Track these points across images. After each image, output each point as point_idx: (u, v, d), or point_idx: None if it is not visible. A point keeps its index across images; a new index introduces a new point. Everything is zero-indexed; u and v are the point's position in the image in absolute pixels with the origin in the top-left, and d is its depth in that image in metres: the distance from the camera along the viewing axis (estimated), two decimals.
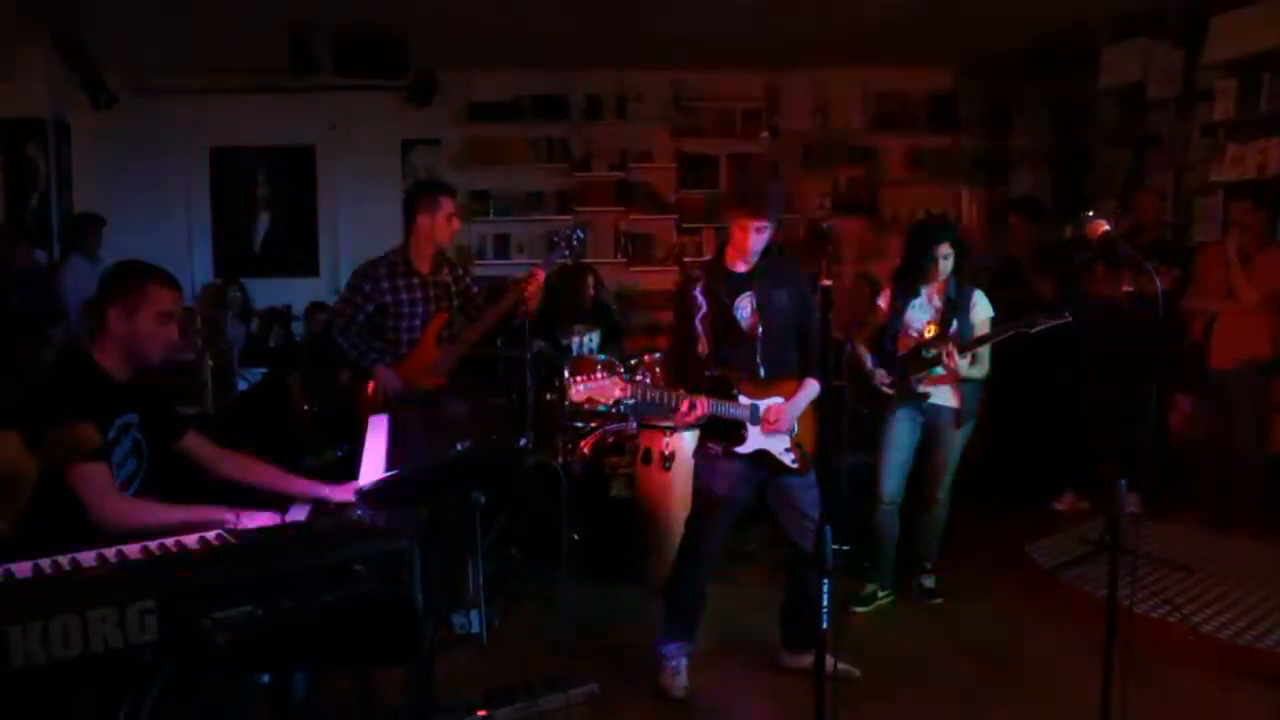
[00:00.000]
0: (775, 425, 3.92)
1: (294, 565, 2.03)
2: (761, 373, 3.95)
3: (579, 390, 3.68)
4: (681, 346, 4.01)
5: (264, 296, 8.94)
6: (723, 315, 3.94)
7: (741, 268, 3.98)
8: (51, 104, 8.30)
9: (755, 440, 3.94)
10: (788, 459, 4.00)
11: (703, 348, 3.93)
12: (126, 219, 8.30)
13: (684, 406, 3.77)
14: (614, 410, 5.65)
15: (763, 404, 3.93)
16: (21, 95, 8.07)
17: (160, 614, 1.89)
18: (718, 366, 3.93)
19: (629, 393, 3.71)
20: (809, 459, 4.05)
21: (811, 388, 4.01)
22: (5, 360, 6.07)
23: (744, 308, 3.95)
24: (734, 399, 3.89)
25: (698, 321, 3.94)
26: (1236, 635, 4.35)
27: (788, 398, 3.97)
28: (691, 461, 4.25)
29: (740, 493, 4.08)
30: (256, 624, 1.95)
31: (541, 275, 4.69)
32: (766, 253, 3.97)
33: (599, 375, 3.69)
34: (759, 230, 3.85)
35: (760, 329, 3.94)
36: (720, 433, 3.96)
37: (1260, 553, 5.41)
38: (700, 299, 3.95)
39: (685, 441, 5.01)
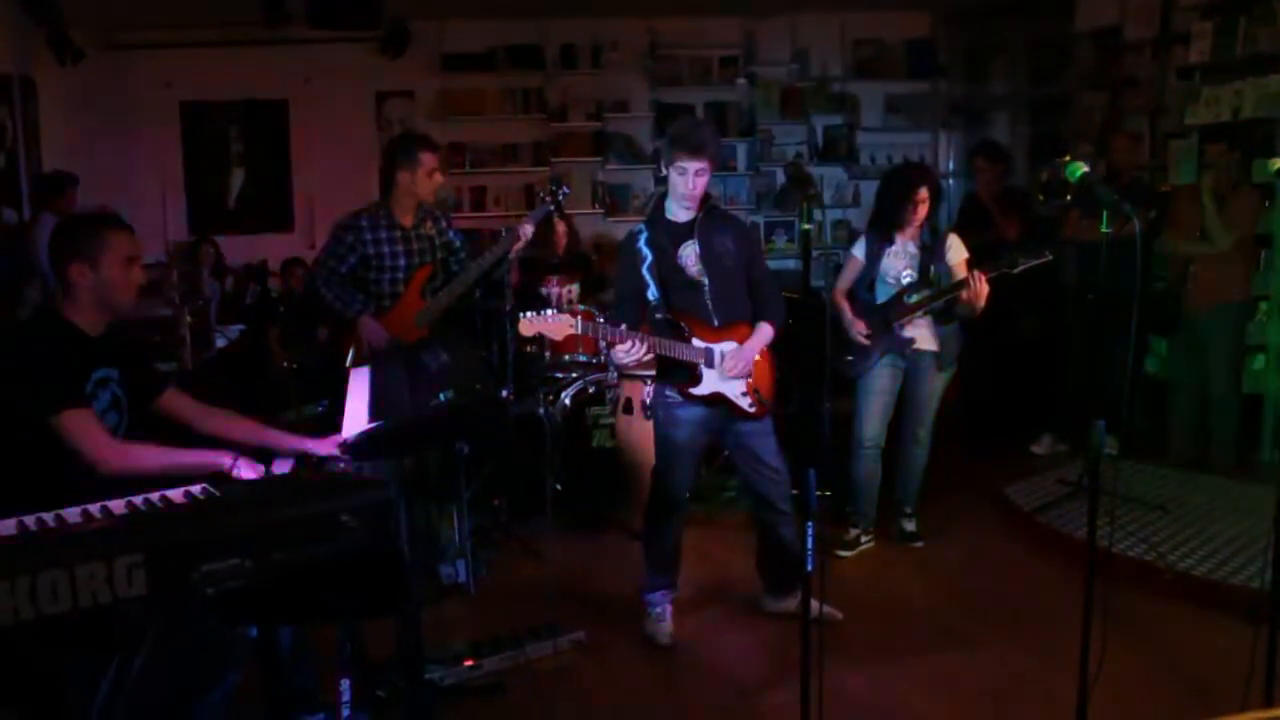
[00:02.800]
0: (733, 372, 3.93)
1: (282, 517, 2.03)
2: (714, 320, 3.96)
3: (528, 324, 3.69)
4: (630, 295, 4.02)
5: (239, 253, 8.85)
6: (668, 264, 3.94)
7: (683, 217, 3.97)
8: (16, 60, 8.12)
9: (711, 382, 3.96)
10: (744, 403, 4.02)
11: (652, 294, 3.94)
12: (97, 176, 8.17)
13: (627, 343, 3.78)
14: (594, 360, 5.66)
15: (717, 348, 3.94)
16: None
17: (148, 568, 1.89)
18: (669, 312, 3.94)
19: (579, 329, 3.72)
20: (766, 404, 4.08)
21: (765, 331, 4.03)
22: None
23: (688, 256, 3.95)
24: (686, 340, 3.90)
25: (645, 270, 3.95)
26: (1212, 572, 4.43)
27: (741, 342, 3.98)
28: None
29: (700, 438, 4.12)
30: (245, 576, 1.96)
31: (529, 230, 4.66)
32: (705, 202, 3.97)
33: (549, 312, 3.70)
34: (698, 173, 3.83)
35: (706, 276, 3.95)
36: (675, 375, 3.98)
37: (1235, 491, 5.48)
38: (645, 250, 3.96)
39: None
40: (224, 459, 2.81)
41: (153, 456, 2.81)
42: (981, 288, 4.60)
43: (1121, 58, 7.46)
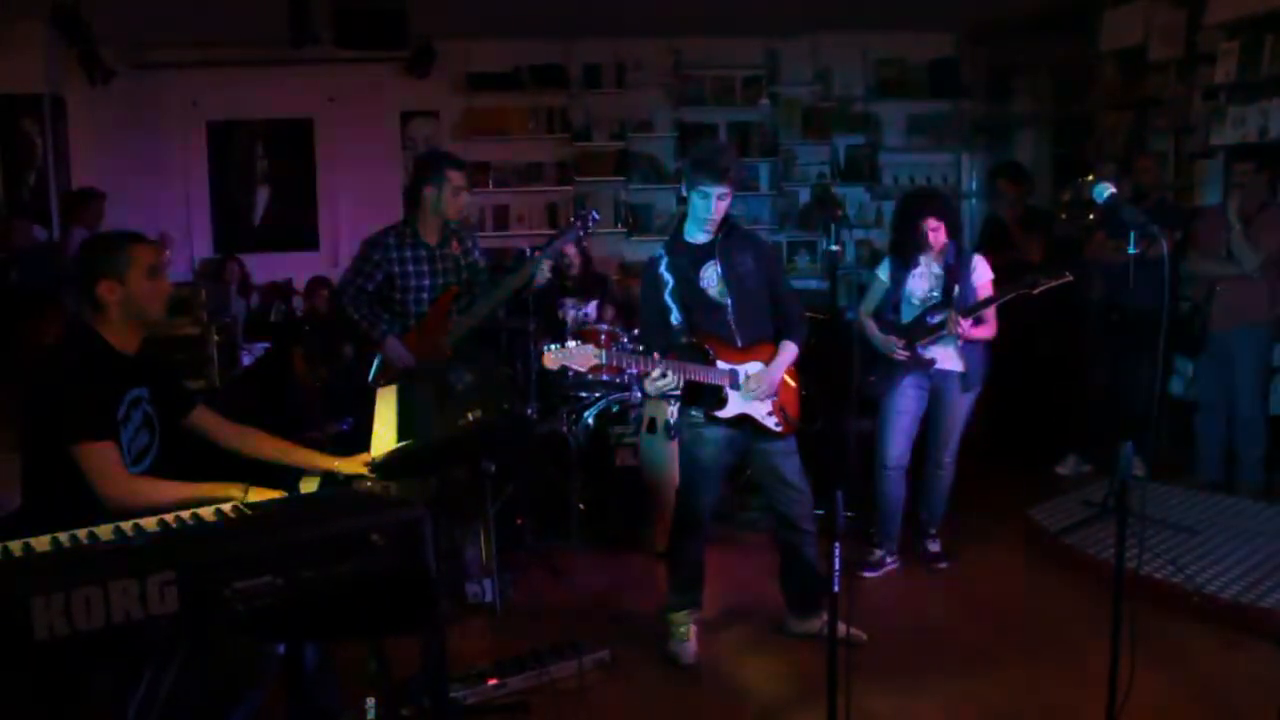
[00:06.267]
0: (759, 394, 3.93)
1: (313, 535, 2.04)
2: (738, 341, 3.97)
3: (552, 359, 3.70)
4: (654, 321, 4.02)
5: (264, 271, 8.92)
6: (690, 287, 3.95)
7: (702, 239, 3.99)
8: (47, 79, 8.25)
9: (736, 404, 3.95)
10: (770, 422, 4.02)
11: (675, 319, 3.95)
12: (124, 194, 8.26)
13: (655, 372, 3.78)
14: (617, 380, 5.67)
15: (741, 369, 3.94)
16: (17, 70, 8.03)
17: (180, 585, 1.90)
18: (693, 335, 3.95)
19: (604, 360, 3.72)
20: (792, 422, 4.07)
21: (789, 350, 4.03)
22: (6, 338, 6.06)
23: (709, 278, 3.96)
24: (711, 364, 3.90)
25: (666, 295, 3.96)
26: (1240, 595, 4.39)
27: (766, 362, 3.98)
28: None
29: (725, 458, 4.11)
30: (275, 594, 1.97)
31: (549, 267, 4.67)
32: (725, 223, 3.97)
33: (572, 344, 3.71)
34: (721, 197, 3.86)
35: (729, 297, 3.95)
36: (700, 399, 3.98)
37: (1263, 513, 5.44)
38: (665, 275, 3.97)
39: None
40: (234, 491, 2.81)
41: (160, 492, 2.81)
42: (954, 328, 4.61)
43: (1146, 78, 7.44)
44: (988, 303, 4.75)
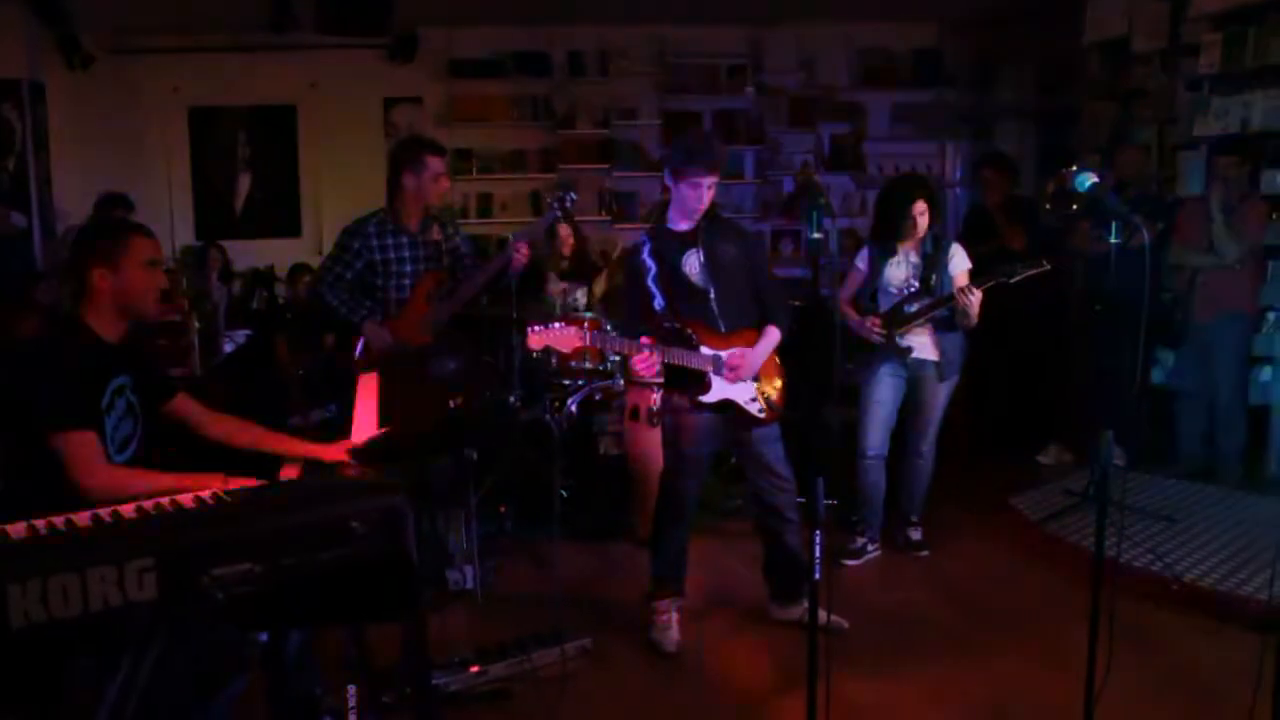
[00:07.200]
0: (737, 372, 3.94)
1: (293, 522, 2.03)
2: (721, 327, 3.97)
3: (536, 337, 3.70)
4: (635, 306, 4.03)
5: (246, 258, 8.86)
6: (673, 274, 3.96)
7: (684, 226, 3.99)
8: (27, 64, 8.17)
9: (720, 389, 3.96)
10: (754, 408, 4.02)
11: (658, 304, 3.95)
12: (105, 181, 8.16)
13: (641, 355, 3.79)
14: (600, 368, 5.66)
15: (725, 354, 3.94)
16: None
17: (159, 572, 1.89)
18: (676, 320, 3.95)
19: (587, 341, 3.72)
20: (776, 409, 4.08)
21: (772, 335, 4.04)
22: None
23: (691, 265, 3.96)
24: (695, 349, 3.91)
25: (649, 281, 3.96)
26: (1218, 583, 4.42)
27: (749, 348, 3.99)
28: None
29: (708, 445, 4.12)
30: (255, 581, 1.95)
31: (526, 249, 4.67)
32: (708, 211, 3.98)
33: (557, 324, 3.71)
34: (710, 187, 3.87)
35: (712, 285, 3.96)
36: (684, 384, 3.98)
37: (1242, 502, 5.48)
38: (649, 262, 3.97)
39: None
40: (214, 482, 2.79)
41: (141, 483, 2.78)
42: (971, 302, 4.60)
43: (1130, 69, 7.45)
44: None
